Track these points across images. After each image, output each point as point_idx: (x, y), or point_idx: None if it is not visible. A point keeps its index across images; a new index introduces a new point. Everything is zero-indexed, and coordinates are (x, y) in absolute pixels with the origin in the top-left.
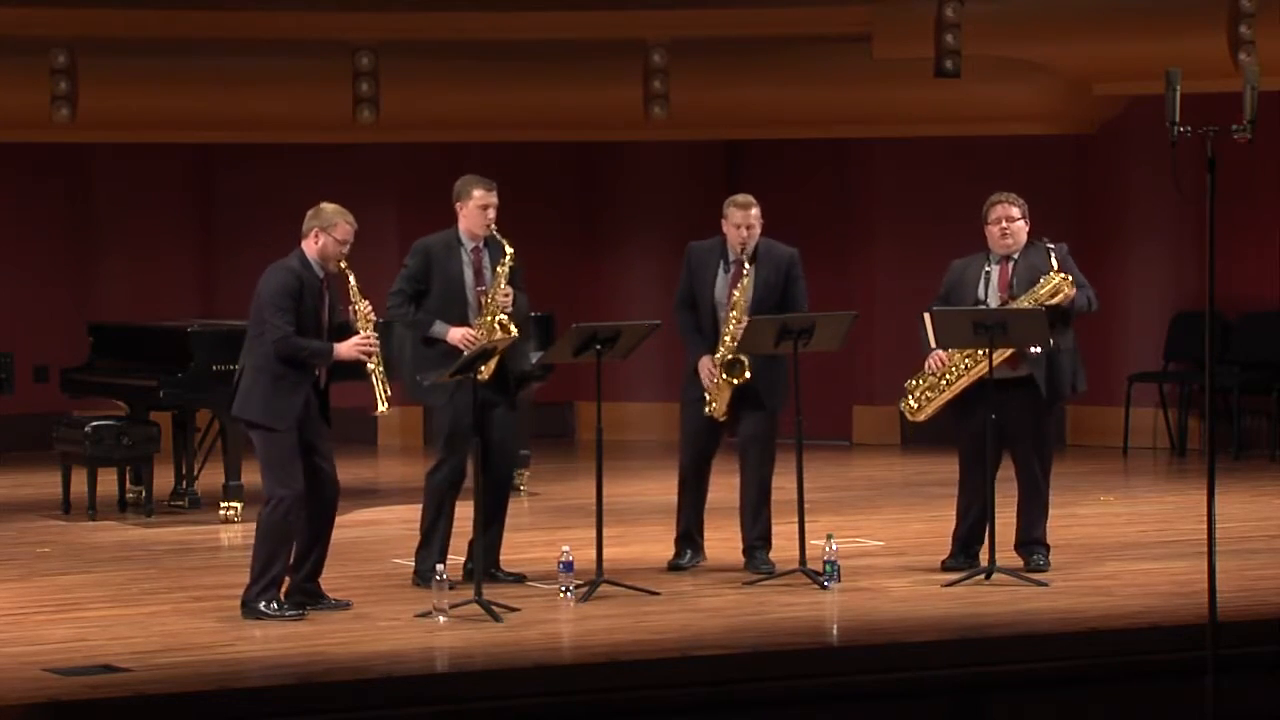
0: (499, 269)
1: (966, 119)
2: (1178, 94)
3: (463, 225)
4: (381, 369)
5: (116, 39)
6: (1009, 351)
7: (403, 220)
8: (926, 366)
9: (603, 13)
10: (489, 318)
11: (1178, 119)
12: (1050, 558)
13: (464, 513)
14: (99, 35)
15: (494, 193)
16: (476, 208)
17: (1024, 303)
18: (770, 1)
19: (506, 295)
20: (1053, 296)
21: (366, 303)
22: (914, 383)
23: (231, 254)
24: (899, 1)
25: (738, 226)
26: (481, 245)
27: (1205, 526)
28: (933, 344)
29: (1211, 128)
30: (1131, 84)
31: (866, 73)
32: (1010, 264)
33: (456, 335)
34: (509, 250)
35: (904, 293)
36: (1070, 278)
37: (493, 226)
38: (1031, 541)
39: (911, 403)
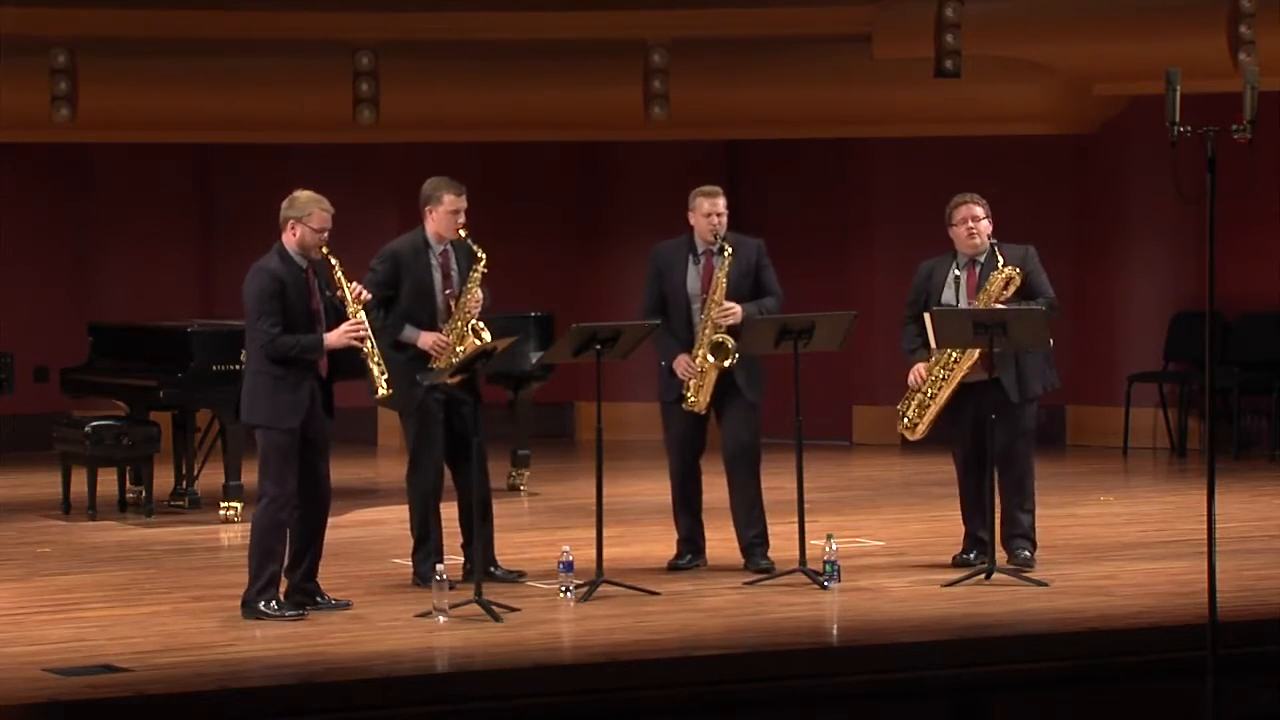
0: (472, 274)
1: (966, 119)
2: (1178, 94)
3: (431, 229)
4: (377, 352)
5: (116, 39)
6: (976, 354)
7: (403, 220)
8: (910, 382)
9: (603, 13)
10: (460, 322)
11: (1178, 119)
12: (1035, 554)
13: (450, 513)
14: (99, 35)
15: (464, 197)
16: (447, 213)
17: (979, 304)
18: (770, 1)
19: (478, 302)
20: (1005, 288)
21: (355, 285)
22: (903, 405)
23: (231, 254)
24: (899, 1)
25: (707, 215)
26: (448, 247)
27: (1205, 526)
28: (933, 344)
29: (1211, 128)
30: (1131, 84)
31: (866, 73)
32: (976, 268)
33: (428, 340)
34: (482, 255)
35: (904, 293)
36: (1017, 268)
37: (463, 231)
38: (1015, 536)
39: (906, 423)
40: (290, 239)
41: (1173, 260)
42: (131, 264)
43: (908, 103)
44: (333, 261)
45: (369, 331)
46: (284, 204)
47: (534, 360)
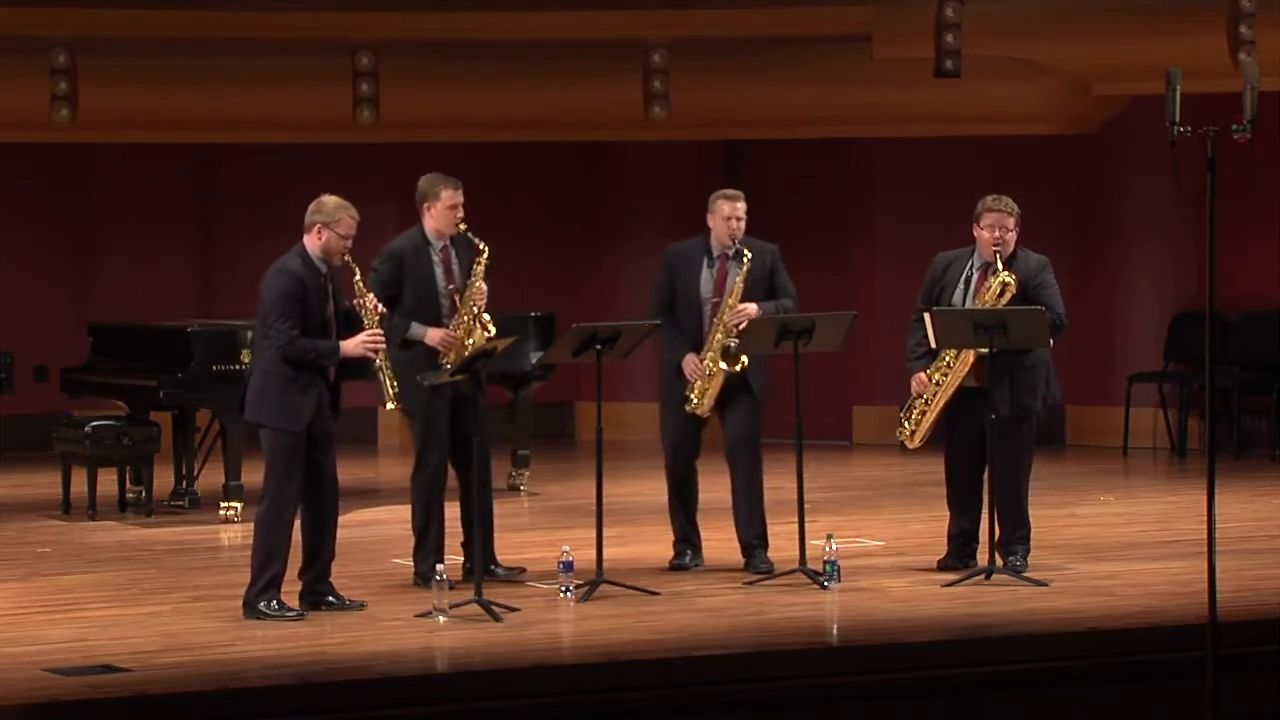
0: (476, 267)
1: (966, 119)
2: (1178, 94)
3: (429, 225)
4: (389, 364)
5: (116, 39)
6: (970, 359)
7: (403, 220)
8: (913, 389)
9: (603, 13)
10: (466, 317)
11: (1178, 119)
12: (1029, 559)
13: (452, 513)
14: (99, 35)
15: (461, 191)
16: (446, 208)
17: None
18: (770, 1)
19: (483, 294)
20: (1000, 295)
21: (372, 296)
22: (905, 412)
23: (231, 254)
24: (899, 1)
25: (727, 219)
26: (449, 243)
27: (1205, 526)
28: (933, 344)
29: (1211, 128)
30: (1131, 84)
31: (866, 73)
32: (990, 272)
33: (436, 336)
34: (484, 247)
35: (904, 293)
36: (1013, 273)
37: (462, 225)
38: (1009, 541)
39: (908, 428)
40: (314, 243)
41: (1173, 260)
42: (131, 264)
43: (908, 103)
44: (355, 269)
45: (384, 345)
46: (311, 207)
47: (534, 360)
